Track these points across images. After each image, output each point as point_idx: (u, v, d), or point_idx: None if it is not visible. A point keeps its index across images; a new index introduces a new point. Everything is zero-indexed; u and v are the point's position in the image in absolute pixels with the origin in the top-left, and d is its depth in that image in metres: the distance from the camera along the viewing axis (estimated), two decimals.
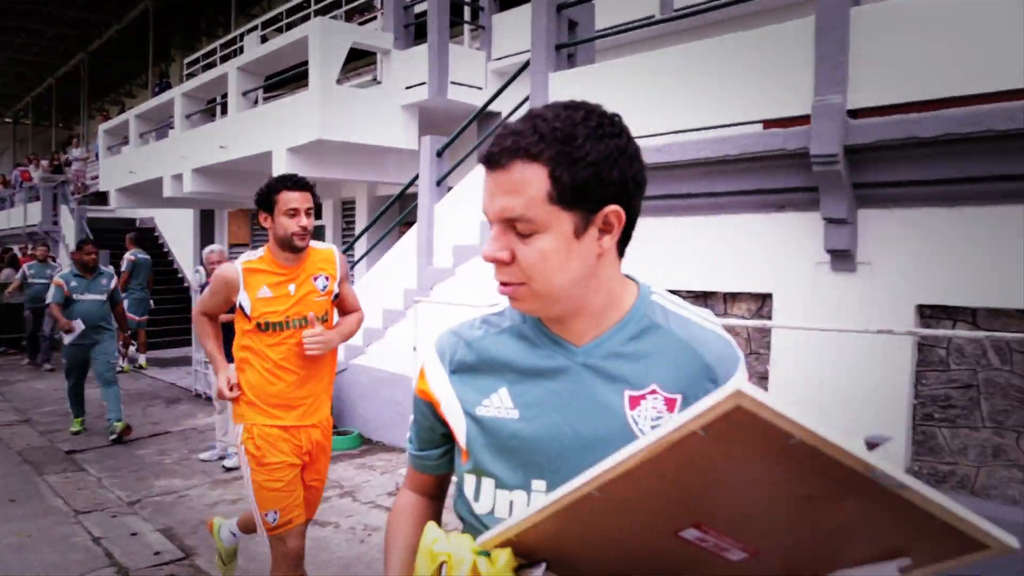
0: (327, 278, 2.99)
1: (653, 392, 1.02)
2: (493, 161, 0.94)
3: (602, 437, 1.00)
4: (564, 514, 0.87)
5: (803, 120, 3.96)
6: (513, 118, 1.14)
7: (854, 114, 3.88)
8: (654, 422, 1.00)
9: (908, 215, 3.84)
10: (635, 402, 1.02)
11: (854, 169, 3.85)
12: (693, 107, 4.49)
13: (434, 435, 1.17)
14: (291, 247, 2.83)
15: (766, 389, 4.27)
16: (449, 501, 1.23)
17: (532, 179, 0.92)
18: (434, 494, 1.25)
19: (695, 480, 0.81)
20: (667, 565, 0.94)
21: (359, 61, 10.05)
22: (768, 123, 4.39)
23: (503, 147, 0.93)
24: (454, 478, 1.19)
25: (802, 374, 4.11)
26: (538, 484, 1.03)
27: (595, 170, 0.92)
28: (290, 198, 2.79)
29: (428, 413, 1.15)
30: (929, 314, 3.88)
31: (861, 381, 3.94)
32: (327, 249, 3.08)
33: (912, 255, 3.83)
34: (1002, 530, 0.75)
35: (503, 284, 0.99)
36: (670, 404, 1.02)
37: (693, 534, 0.88)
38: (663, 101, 4.61)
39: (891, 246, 3.89)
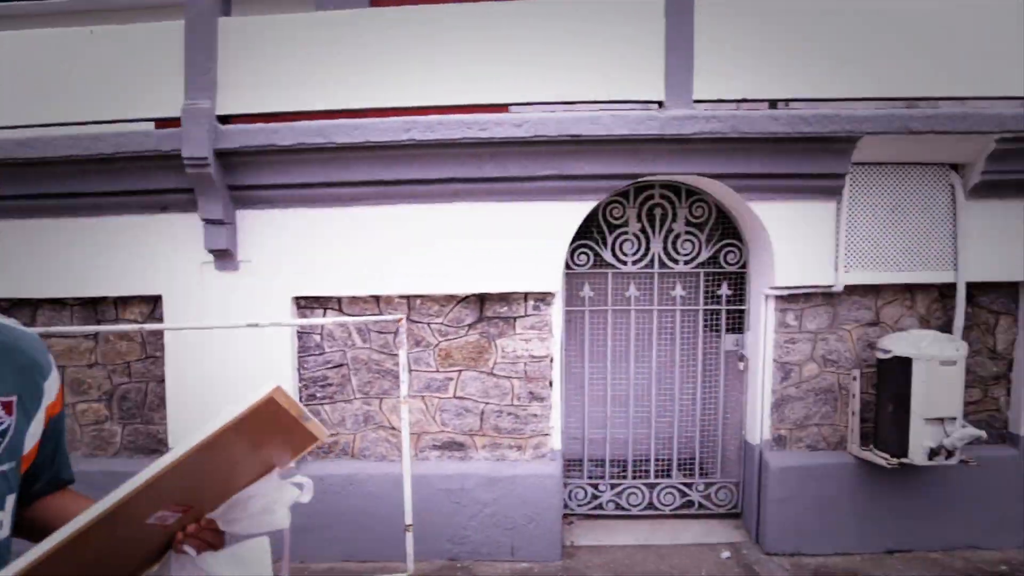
0: None
1: None
2: None
3: None
4: (61, 552, 0.87)
5: (179, 122, 3.98)
6: None
7: (227, 120, 4.05)
8: None
9: (280, 215, 4.17)
10: None
11: (227, 172, 4.02)
12: (56, 100, 4.13)
13: None
14: None
15: (164, 392, 4.24)
16: None
17: None
18: None
19: (195, 469, 0.95)
20: (125, 555, 1.03)
21: None
22: (160, 123, 4.31)
23: None
24: None
25: (197, 372, 4.17)
26: None
27: None
28: None
29: None
30: (304, 305, 4.30)
31: (251, 372, 4.17)
32: None
33: (286, 252, 4.18)
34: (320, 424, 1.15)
35: None
36: (7, 407, 1.03)
37: (155, 515, 1.00)
38: (21, 91, 4.15)
39: (268, 244, 4.18)
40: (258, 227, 4.18)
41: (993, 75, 3.99)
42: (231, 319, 4.11)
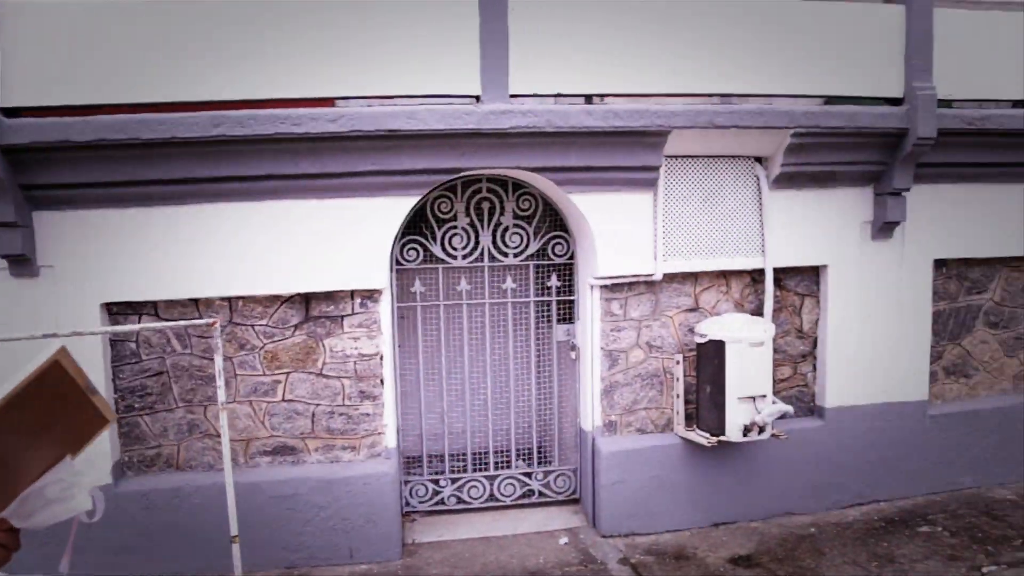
0: None
1: None
2: None
3: None
4: None
5: None
6: None
7: (16, 113, 3.76)
8: None
9: (85, 216, 3.92)
10: None
11: (18, 170, 3.73)
12: None
13: None
14: None
15: None
16: None
17: None
18: None
19: None
20: None
21: None
22: None
23: None
24: None
25: None
26: None
27: None
28: None
29: None
30: (117, 311, 4.06)
31: None
32: None
33: (93, 256, 3.94)
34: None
35: None
36: None
37: None
38: None
39: (73, 247, 3.92)
40: (60, 230, 3.91)
41: (791, 74, 4.28)
42: (33, 329, 3.82)
